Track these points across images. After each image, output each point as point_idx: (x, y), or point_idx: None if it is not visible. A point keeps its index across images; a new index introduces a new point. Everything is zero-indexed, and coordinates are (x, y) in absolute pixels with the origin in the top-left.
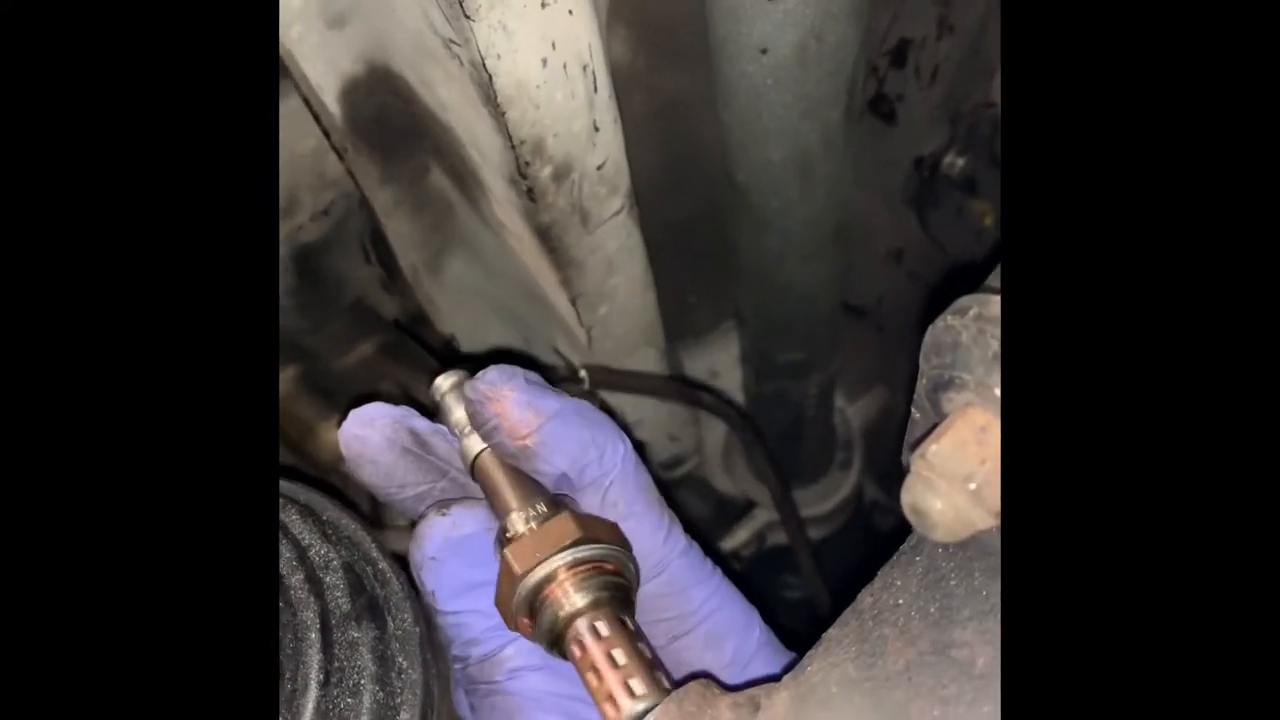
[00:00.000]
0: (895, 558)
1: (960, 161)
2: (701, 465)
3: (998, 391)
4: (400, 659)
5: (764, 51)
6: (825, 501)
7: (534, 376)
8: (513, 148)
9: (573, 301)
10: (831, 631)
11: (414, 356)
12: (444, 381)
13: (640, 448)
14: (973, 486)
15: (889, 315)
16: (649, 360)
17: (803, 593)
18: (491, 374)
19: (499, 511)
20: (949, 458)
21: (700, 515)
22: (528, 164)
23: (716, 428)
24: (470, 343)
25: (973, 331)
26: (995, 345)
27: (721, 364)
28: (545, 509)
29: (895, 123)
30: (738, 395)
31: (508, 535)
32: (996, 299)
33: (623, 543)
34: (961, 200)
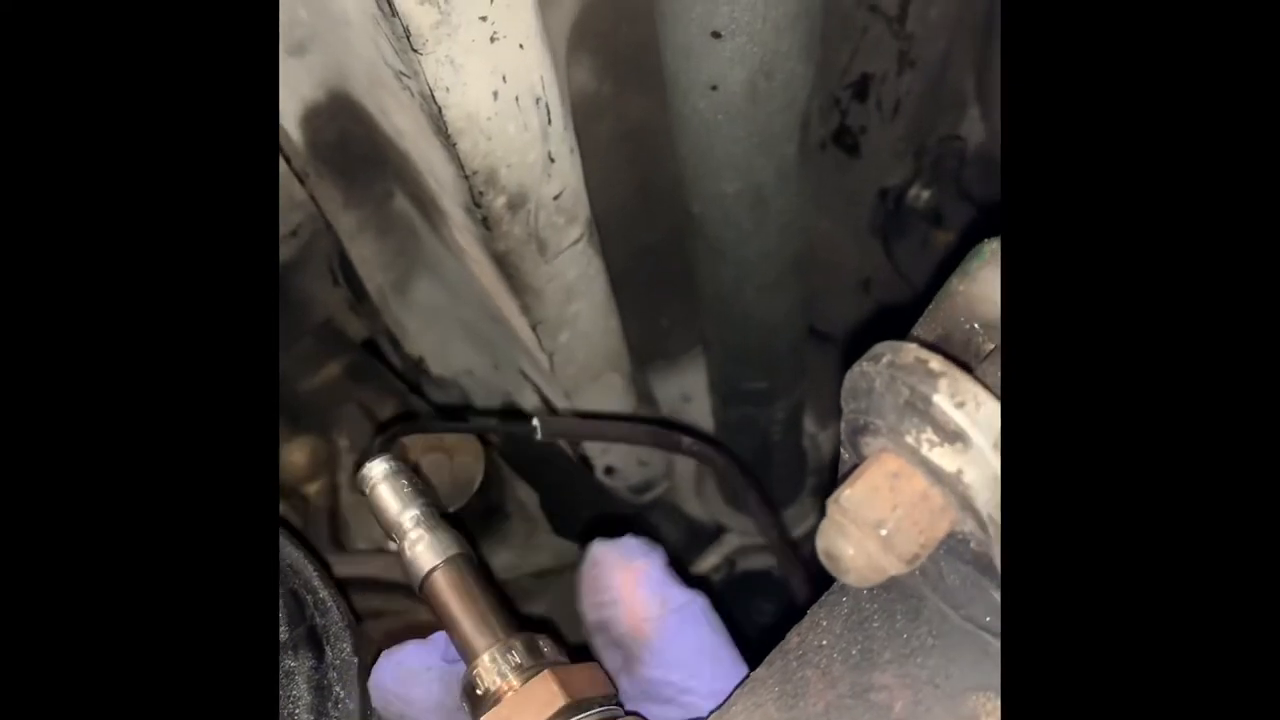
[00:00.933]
0: (824, 597)
1: (925, 193)
2: (672, 490)
3: (909, 439)
4: (338, 689)
5: (714, 88)
6: (796, 527)
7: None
8: (465, 178)
9: (533, 328)
10: (759, 671)
11: (381, 378)
12: (375, 469)
13: (609, 472)
14: (884, 533)
15: (858, 344)
16: (614, 386)
17: (773, 618)
18: (631, 543)
19: (462, 649)
20: (861, 503)
21: (671, 539)
22: (481, 193)
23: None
24: (440, 364)
25: (885, 379)
26: (906, 393)
27: (694, 388)
28: (520, 657)
29: (859, 155)
30: (708, 420)
31: (479, 692)
32: (910, 346)
33: (606, 691)
34: (927, 231)
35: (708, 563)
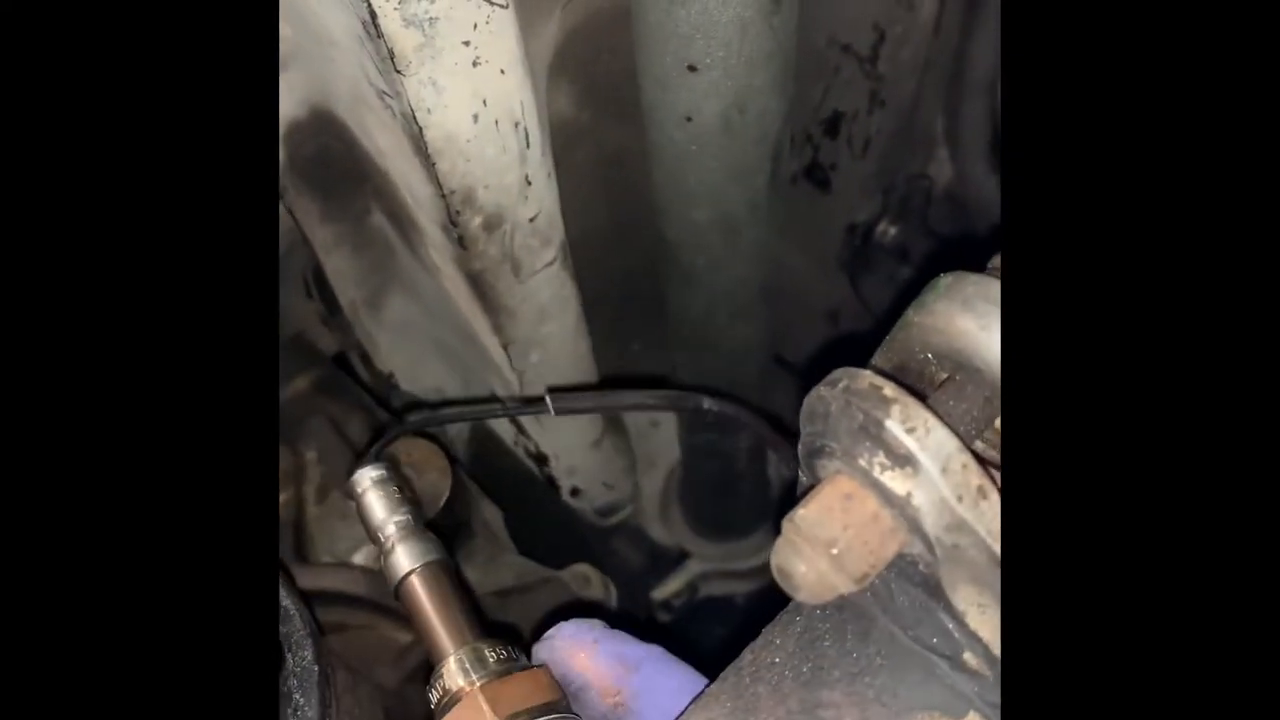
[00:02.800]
0: (778, 617)
1: (893, 230)
2: (637, 514)
3: (861, 462)
4: (297, 695)
5: (689, 119)
6: (759, 554)
7: (601, 625)
8: (443, 196)
9: (505, 347)
10: (712, 687)
11: (349, 393)
12: (366, 476)
13: (575, 494)
14: (835, 552)
15: (824, 375)
16: None
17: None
18: (569, 628)
19: (430, 650)
20: (814, 523)
21: (633, 564)
22: (458, 213)
23: (654, 476)
24: (409, 381)
25: (841, 403)
26: (860, 417)
27: (662, 412)
28: (486, 661)
29: (829, 190)
30: (674, 444)
31: (444, 691)
32: (865, 373)
33: (553, 698)
34: (894, 267)
35: (670, 588)
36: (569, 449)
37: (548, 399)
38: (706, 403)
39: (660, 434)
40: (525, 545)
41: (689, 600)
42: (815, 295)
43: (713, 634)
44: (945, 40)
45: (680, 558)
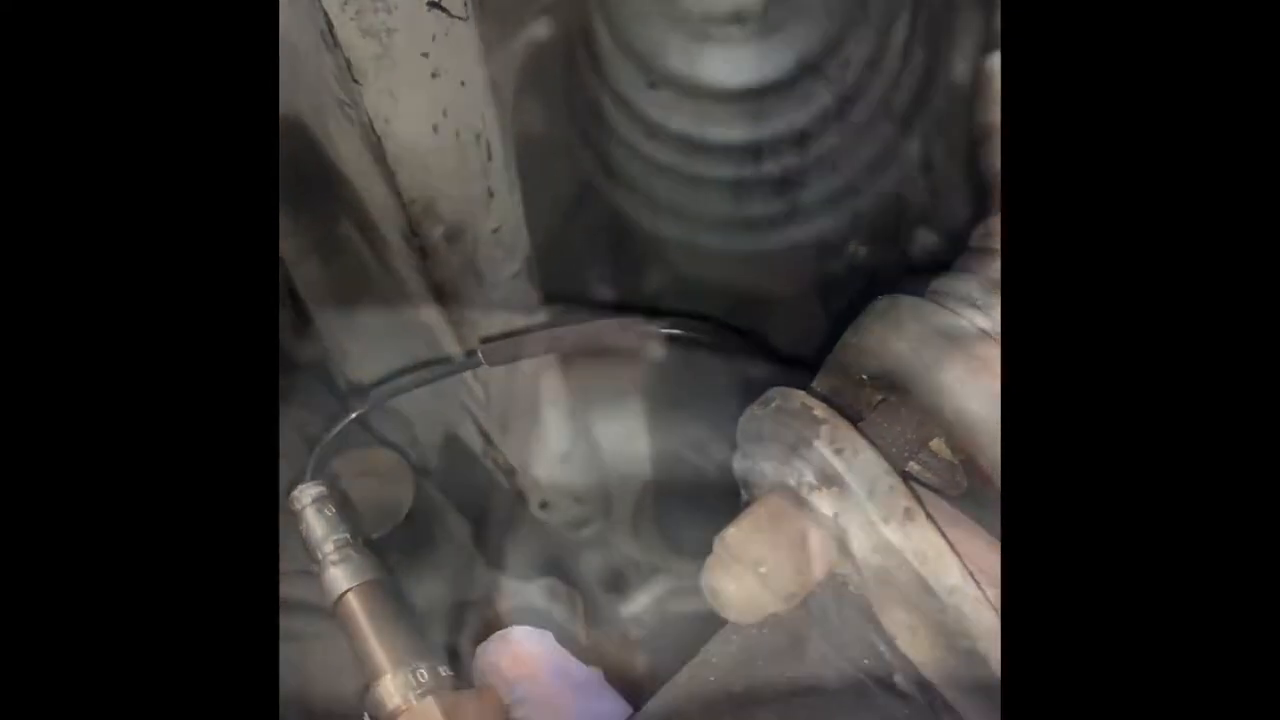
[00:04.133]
0: (717, 635)
1: (863, 251)
2: (609, 528)
3: (791, 481)
4: None
5: (652, 136)
6: None
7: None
8: (404, 207)
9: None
10: (649, 704)
11: (318, 401)
12: (305, 493)
13: (544, 506)
14: (763, 570)
15: None
16: (551, 420)
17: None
18: (519, 637)
19: (367, 669)
20: (743, 542)
21: (603, 579)
22: (419, 223)
23: (626, 491)
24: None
25: (773, 423)
26: (791, 437)
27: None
28: (423, 680)
29: (799, 209)
30: (648, 458)
31: (376, 710)
32: (798, 393)
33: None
34: (864, 288)
35: (640, 603)
36: (539, 461)
37: (479, 351)
38: (664, 329)
39: (634, 448)
40: (493, 558)
41: (659, 616)
42: (786, 314)
43: (682, 651)
44: (917, 63)
45: (651, 573)
